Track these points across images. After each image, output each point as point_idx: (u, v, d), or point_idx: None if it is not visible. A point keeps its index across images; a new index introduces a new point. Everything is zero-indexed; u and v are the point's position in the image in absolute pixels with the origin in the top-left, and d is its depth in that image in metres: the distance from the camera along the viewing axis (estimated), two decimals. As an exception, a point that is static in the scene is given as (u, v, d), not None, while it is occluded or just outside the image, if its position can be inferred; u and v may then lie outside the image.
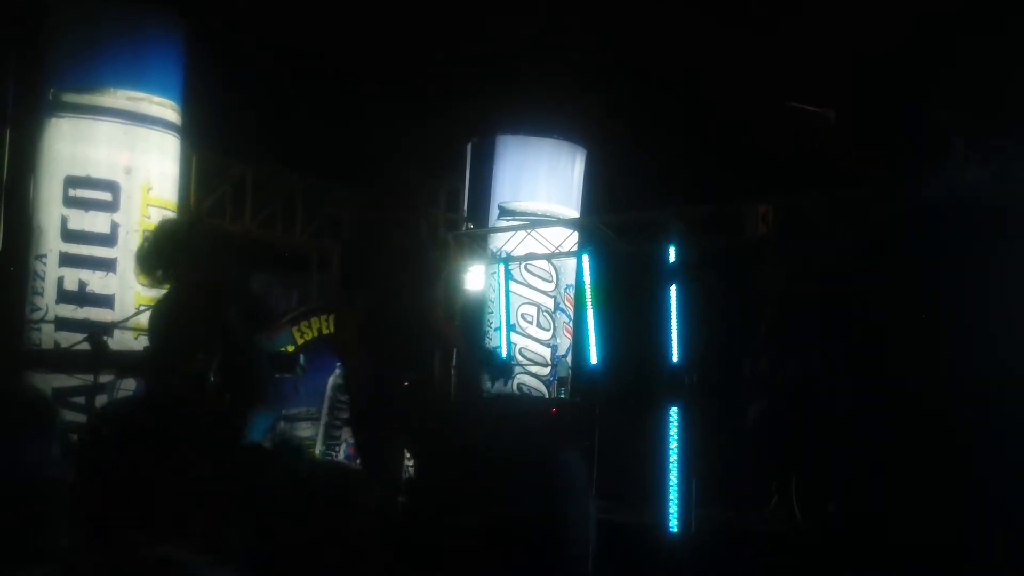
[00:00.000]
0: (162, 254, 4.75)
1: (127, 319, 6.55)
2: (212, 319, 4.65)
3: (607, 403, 6.68)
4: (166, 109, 7.12)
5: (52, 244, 6.82)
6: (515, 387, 8.81)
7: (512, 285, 8.86)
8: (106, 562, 1.00)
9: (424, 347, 4.56)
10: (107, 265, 6.82)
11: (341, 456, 8.00)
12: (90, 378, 6.03)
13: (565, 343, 9.37)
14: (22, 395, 2.72)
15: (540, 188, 9.29)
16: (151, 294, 6.70)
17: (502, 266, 8.69)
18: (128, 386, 6.43)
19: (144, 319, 6.33)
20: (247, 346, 4.92)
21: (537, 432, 1.49)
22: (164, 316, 4.80)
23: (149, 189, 6.99)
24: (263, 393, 5.31)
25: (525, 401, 8.11)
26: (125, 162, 6.92)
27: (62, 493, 2.14)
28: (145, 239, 4.97)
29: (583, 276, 8.33)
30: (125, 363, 5.90)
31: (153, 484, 1.97)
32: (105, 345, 5.78)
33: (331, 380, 8.07)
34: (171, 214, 7.16)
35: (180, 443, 2.05)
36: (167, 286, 4.84)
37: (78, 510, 2.00)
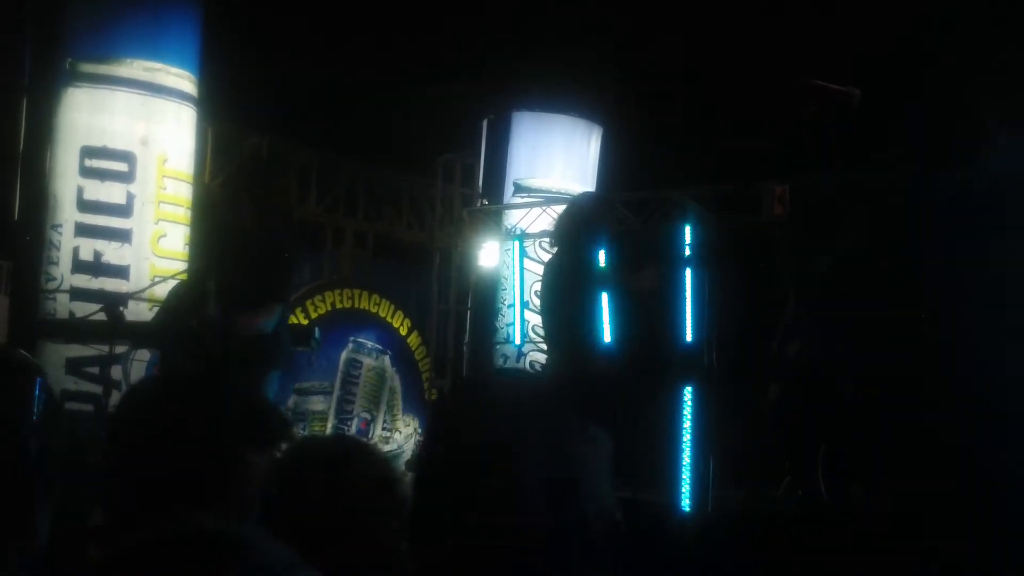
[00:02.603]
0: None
1: (142, 290, 6.55)
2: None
3: (620, 381, 6.66)
4: (183, 80, 7.11)
5: (68, 214, 6.82)
6: (528, 364, 8.80)
7: (526, 262, 8.83)
8: (164, 536, 0.99)
9: None
10: (123, 236, 6.82)
11: (353, 430, 8.02)
12: (105, 348, 6.04)
13: (578, 321, 9.34)
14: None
15: (556, 165, 9.26)
16: (166, 266, 6.72)
17: (516, 243, 8.66)
18: (143, 356, 6.45)
19: (159, 290, 6.37)
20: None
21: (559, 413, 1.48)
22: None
23: (165, 160, 6.98)
24: (285, 359, 5.36)
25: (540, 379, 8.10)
26: (141, 133, 6.91)
27: (37, 466, 2.13)
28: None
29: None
30: (140, 334, 5.91)
31: (190, 457, 1.97)
32: (120, 315, 5.79)
33: (344, 354, 8.08)
34: (187, 185, 7.16)
35: (208, 418, 2.06)
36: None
37: (122, 485, 2.00)
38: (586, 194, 6.31)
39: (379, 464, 2.16)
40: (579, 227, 5.66)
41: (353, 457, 2.12)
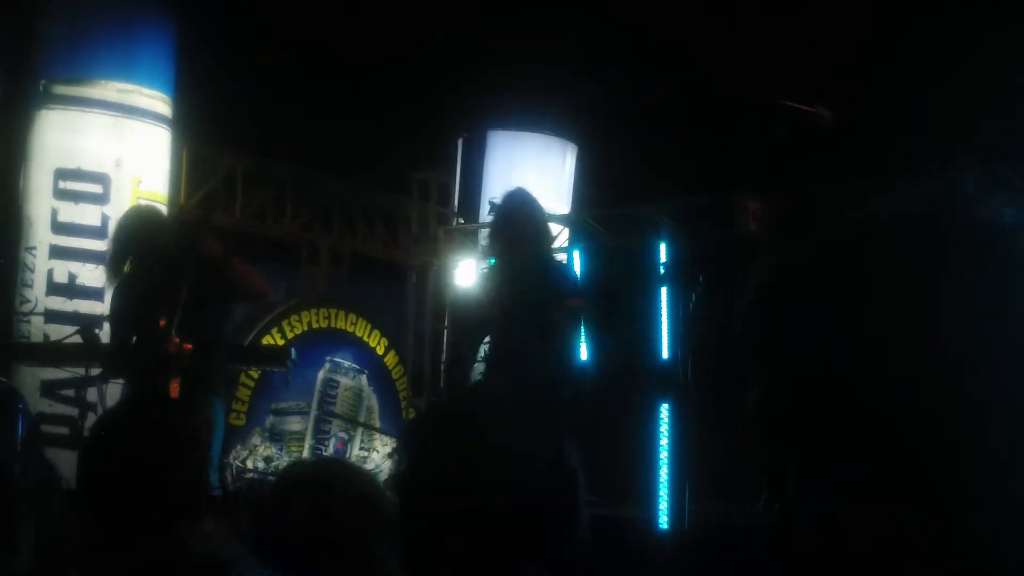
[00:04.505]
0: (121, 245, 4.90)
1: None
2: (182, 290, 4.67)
3: (596, 398, 6.68)
4: (156, 101, 7.10)
5: (42, 236, 6.80)
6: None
7: (502, 280, 8.84)
8: (153, 558, 0.99)
9: None
10: (97, 257, 6.79)
11: (330, 450, 8.00)
12: (80, 371, 6.02)
13: (554, 338, 9.35)
14: None
15: (530, 184, 9.26)
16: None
17: (492, 261, 8.67)
18: (118, 379, 6.42)
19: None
20: (211, 331, 4.90)
21: (543, 421, 1.50)
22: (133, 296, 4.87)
23: (140, 182, 6.97)
24: (221, 382, 5.31)
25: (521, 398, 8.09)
26: (116, 154, 6.90)
27: (19, 488, 2.14)
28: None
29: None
30: (115, 356, 5.88)
31: (166, 481, 1.98)
32: (96, 338, 5.77)
33: (321, 374, 8.06)
34: (162, 207, 7.14)
35: (179, 442, 2.07)
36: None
37: (90, 505, 2.01)
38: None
39: (365, 485, 2.17)
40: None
41: (338, 481, 2.13)
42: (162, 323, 4.60)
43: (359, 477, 2.25)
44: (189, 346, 4.62)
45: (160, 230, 5.09)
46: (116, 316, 5.29)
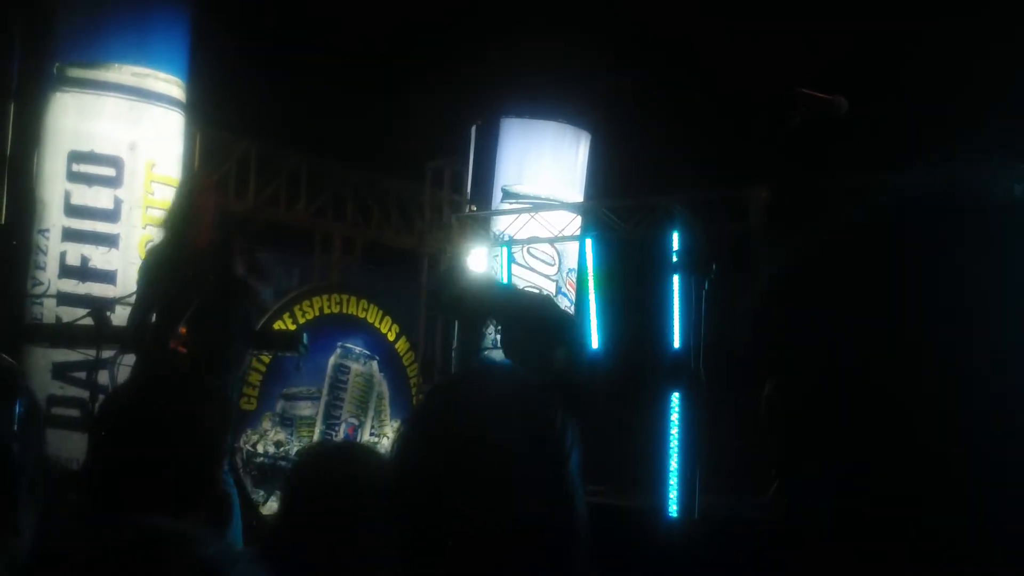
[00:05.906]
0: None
1: (129, 295, 6.52)
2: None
3: (607, 387, 6.67)
4: (171, 85, 7.10)
5: (55, 219, 6.80)
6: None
7: (514, 268, 8.85)
8: (121, 538, 0.98)
9: None
10: (110, 240, 6.81)
11: (341, 436, 8.00)
12: (91, 353, 6.04)
13: (566, 327, 9.34)
14: None
15: (544, 172, 9.27)
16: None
17: (505, 249, 8.68)
18: (130, 361, 6.43)
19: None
20: (225, 322, 4.92)
21: (531, 409, 1.48)
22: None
23: (153, 166, 6.97)
24: (234, 372, 5.33)
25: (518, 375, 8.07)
26: (129, 138, 6.90)
27: (19, 466, 2.13)
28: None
29: (585, 260, 8.34)
30: (127, 338, 5.89)
31: (162, 463, 1.97)
32: (108, 320, 5.77)
33: (332, 360, 8.06)
34: (174, 190, 7.14)
35: (184, 423, 2.06)
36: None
37: (91, 490, 2.00)
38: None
39: (382, 470, 2.15)
40: None
41: (360, 466, 2.10)
42: (176, 347, 4.70)
43: (380, 462, 2.22)
44: (183, 349, 4.70)
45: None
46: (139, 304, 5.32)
